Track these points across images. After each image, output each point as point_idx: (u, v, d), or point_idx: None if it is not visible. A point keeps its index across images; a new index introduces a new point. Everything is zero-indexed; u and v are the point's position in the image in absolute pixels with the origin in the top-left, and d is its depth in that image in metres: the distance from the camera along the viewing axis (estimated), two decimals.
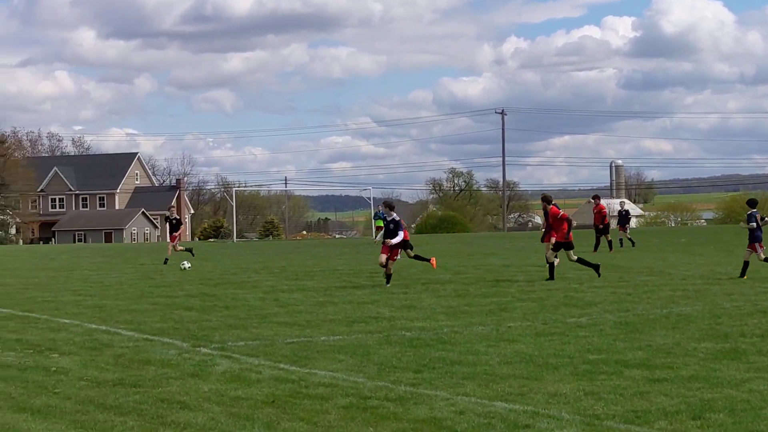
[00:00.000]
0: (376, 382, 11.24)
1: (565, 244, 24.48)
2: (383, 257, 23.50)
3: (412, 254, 26.99)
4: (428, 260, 27.15)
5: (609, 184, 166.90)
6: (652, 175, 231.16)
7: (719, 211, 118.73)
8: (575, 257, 24.69)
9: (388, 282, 23.43)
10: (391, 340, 14.53)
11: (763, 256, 24.38)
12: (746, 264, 24.41)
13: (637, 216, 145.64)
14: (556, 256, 24.79)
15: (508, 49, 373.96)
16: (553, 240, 24.42)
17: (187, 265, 32.08)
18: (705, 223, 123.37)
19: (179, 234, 38.55)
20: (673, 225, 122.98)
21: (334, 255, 41.22)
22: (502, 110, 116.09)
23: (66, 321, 17.75)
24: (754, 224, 24.27)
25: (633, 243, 42.06)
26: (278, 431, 8.99)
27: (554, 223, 24.62)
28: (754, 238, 24.28)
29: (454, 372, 11.82)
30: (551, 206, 24.87)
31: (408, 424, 9.14)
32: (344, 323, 16.68)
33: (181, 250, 38.33)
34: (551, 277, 24.33)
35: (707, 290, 21.49)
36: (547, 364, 12.28)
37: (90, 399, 10.51)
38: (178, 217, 39.76)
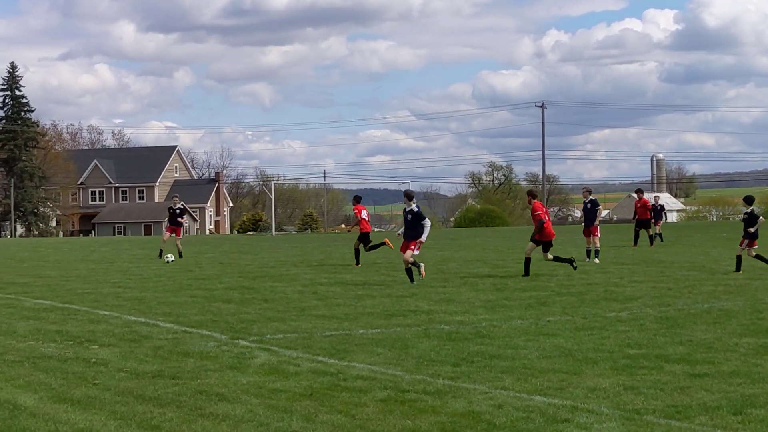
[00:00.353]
0: (415, 375, 11.21)
1: (542, 242, 23.86)
2: (408, 255, 22.01)
3: (368, 249, 27.67)
4: (383, 244, 28.09)
5: (650, 178, 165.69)
6: (694, 169, 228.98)
7: (762, 206, 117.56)
8: (551, 257, 24.00)
9: (412, 281, 22.06)
10: (429, 334, 14.49)
11: (754, 253, 24.64)
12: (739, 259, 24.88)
13: (678, 210, 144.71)
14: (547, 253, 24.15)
15: (548, 42, 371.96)
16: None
17: (170, 258, 32.33)
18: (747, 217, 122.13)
19: (182, 229, 36.30)
20: (714, 219, 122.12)
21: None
22: (542, 104, 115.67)
23: (106, 313, 17.86)
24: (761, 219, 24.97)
25: (662, 239, 41.70)
26: (316, 424, 8.98)
27: (533, 218, 24.17)
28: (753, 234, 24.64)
29: (493, 366, 11.76)
30: (535, 201, 24.14)
31: (446, 418, 9.11)
32: (382, 316, 16.66)
33: (178, 247, 35.88)
34: (527, 273, 23.70)
35: (749, 285, 21.29)
36: (586, 358, 12.20)
37: (129, 390, 10.55)
38: (182, 207, 36.91)
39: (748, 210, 24.94)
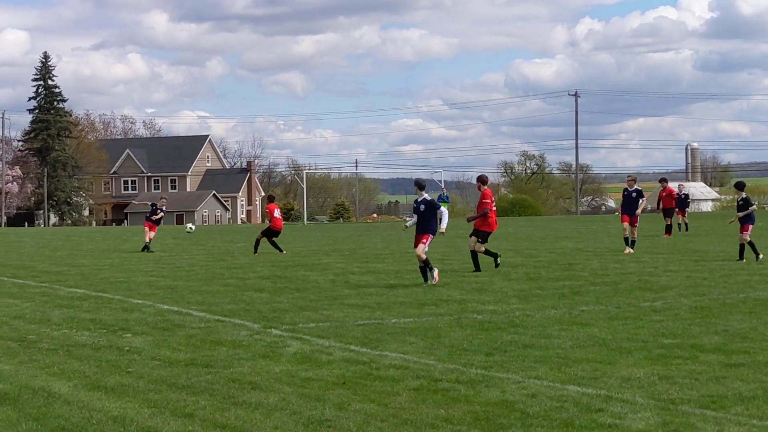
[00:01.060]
0: (447, 364, 11.18)
1: (481, 232, 23.03)
2: (421, 250, 19.98)
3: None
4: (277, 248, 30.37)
5: (684, 168, 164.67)
6: (729, 158, 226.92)
7: None
8: (482, 249, 22.88)
9: (426, 280, 20.15)
10: (462, 323, 14.45)
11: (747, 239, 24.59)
12: (743, 246, 24.81)
13: (713, 200, 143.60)
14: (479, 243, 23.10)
15: (581, 30, 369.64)
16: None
17: (191, 227, 32.54)
18: None
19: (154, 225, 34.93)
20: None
21: (404, 238, 41.17)
22: (576, 92, 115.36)
23: (139, 301, 17.93)
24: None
25: (687, 228, 41.38)
26: (349, 412, 8.97)
27: (479, 206, 23.28)
28: (749, 219, 24.68)
29: (526, 355, 11.71)
30: (485, 189, 23.29)
31: (479, 407, 9.07)
32: (415, 306, 16.64)
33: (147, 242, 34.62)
34: (478, 268, 22.80)
35: None
36: (620, 348, 12.12)
37: (162, 378, 10.59)
38: (164, 211, 35.33)
39: (744, 196, 24.92)
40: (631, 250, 28.23)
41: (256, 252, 31.30)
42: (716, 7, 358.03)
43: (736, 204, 25.54)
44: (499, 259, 23.45)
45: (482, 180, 23.75)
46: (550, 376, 10.42)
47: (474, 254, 22.96)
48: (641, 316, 14.98)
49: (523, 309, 16.03)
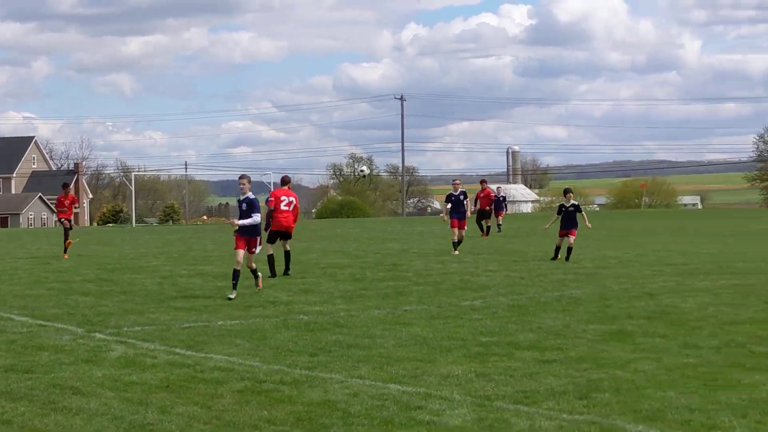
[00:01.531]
0: (272, 365, 11.31)
1: (278, 233, 22.02)
2: (240, 254, 18.51)
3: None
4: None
5: (506, 170, 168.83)
6: (548, 160, 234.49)
7: (611, 197, 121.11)
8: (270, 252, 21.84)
9: (257, 284, 19.20)
10: (288, 324, 14.61)
11: (572, 241, 25.59)
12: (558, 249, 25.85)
13: (532, 201, 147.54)
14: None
15: (407, 35, 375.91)
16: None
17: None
18: (598, 208, 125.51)
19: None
20: None
21: (233, 240, 41.01)
22: (401, 96, 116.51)
23: None
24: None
25: (499, 229, 42.31)
26: (172, 416, 9.01)
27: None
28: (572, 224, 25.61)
29: (350, 355, 11.95)
30: (277, 189, 22.43)
31: (302, 407, 9.24)
32: (241, 308, 16.70)
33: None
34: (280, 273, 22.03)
35: (598, 274, 21.99)
36: (440, 346, 12.49)
37: None
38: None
39: (574, 202, 25.95)
40: (457, 252, 28.87)
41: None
42: (535, 14, 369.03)
43: (560, 208, 26.20)
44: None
45: (283, 180, 22.75)
46: (372, 376, 10.68)
47: (270, 257, 21.85)
48: (461, 315, 15.43)
49: (348, 309, 16.29)
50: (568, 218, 25.56)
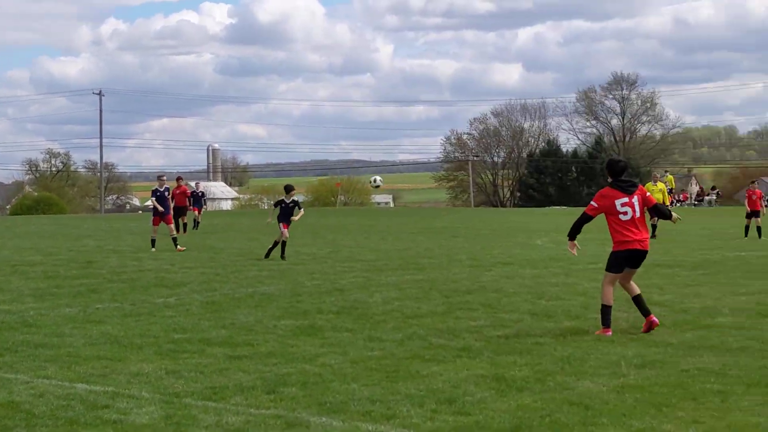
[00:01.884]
0: None
1: None
2: None
3: None
4: None
5: (206, 168, 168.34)
6: (248, 159, 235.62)
7: (309, 195, 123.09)
8: None
9: None
10: None
11: (287, 236, 25.97)
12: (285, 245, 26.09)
13: (232, 199, 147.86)
14: None
15: (107, 30, 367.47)
16: None
17: None
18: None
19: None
20: (266, 207, 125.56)
21: None
22: (100, 91, 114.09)
23: None
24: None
25: (196, 226, 42.30)
26: None
27: None
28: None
29: (37, 355, 11.73)
30: None
31: None
32: None
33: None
34: None
35: (292, 270, 22.45)
36: (132, 344, 12.46)
37: None
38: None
39: (295, 198, 26.31)
40: (182, 250, 28.55)
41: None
42: (235, 13, 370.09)
43: (281, 205, 26.19)
44: None
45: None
46: (60, 375, 10.54)
47: None
48: (155, 312, 15.42)
49: (38, 308, 15.92)
50: (287, 213, 25.96)
